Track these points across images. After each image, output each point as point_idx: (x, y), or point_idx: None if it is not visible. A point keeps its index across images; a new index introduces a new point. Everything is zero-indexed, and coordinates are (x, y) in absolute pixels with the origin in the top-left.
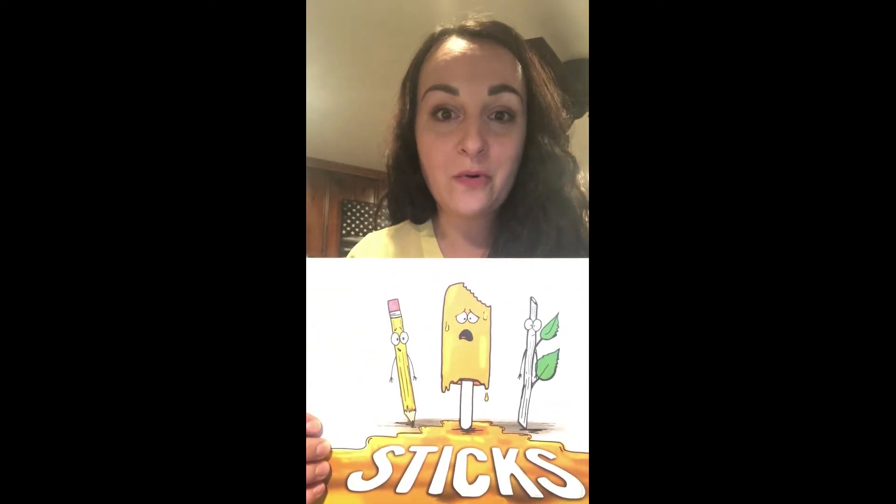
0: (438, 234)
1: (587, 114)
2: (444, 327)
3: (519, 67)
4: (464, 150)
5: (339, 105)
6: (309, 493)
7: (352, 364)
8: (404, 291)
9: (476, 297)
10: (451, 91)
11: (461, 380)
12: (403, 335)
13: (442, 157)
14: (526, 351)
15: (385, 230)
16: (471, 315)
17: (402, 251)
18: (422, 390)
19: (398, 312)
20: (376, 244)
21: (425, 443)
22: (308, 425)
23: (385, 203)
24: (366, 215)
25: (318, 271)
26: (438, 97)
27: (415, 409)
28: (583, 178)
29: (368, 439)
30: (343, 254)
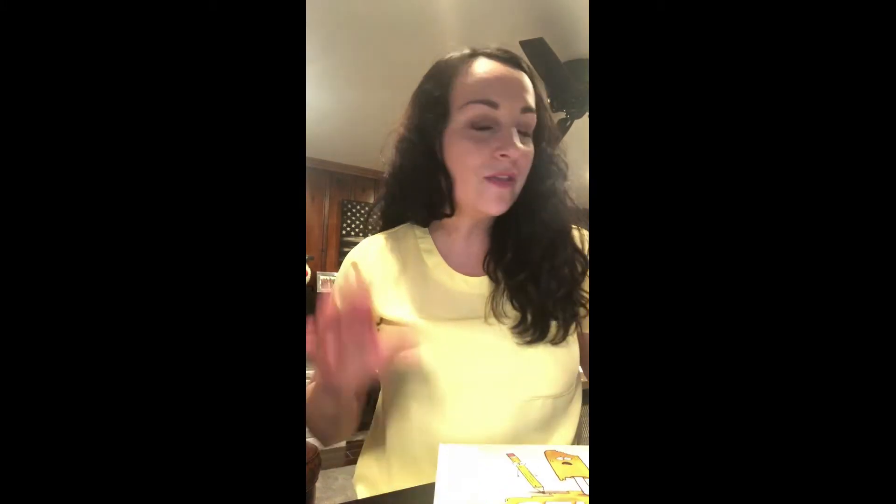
0: (438, 235)
1: (587, 114)
2: (552, 457)
3: (535, 91)
4: (504, 155)
5: (339, 105)
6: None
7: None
8: (518, 452)
9: (565, 452)
10: (493, 105)
11: (574, 477)
12: (522, 462)
13: (479, 161)
14: None
15: (383, 233)
16: (566, 458)
17: (402, 252)
18: (543, 480)
19: (516, 457)
20: (375, 246)
21: (559, 500)
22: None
23: (382, 205)
24: (366, 215)
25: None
26: (480, 109)
27: (542, 486)
28: (572, 187)
29: (507, 499)
30: (343, 254)
